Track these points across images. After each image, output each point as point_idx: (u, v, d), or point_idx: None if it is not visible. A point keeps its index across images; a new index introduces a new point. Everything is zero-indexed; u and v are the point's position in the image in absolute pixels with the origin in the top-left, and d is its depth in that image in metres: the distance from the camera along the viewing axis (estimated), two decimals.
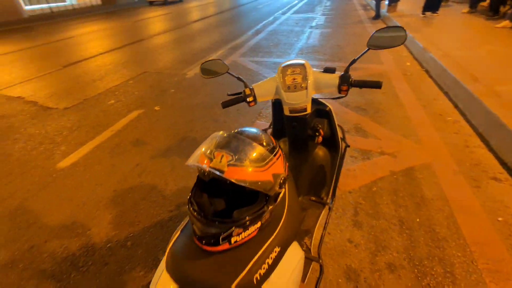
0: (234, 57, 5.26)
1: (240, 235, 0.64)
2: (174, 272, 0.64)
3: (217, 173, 0.59)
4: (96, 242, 1.63)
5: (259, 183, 0.63)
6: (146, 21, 10.62)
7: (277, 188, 0.68)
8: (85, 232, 1.70)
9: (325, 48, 5.52)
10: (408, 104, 3.06)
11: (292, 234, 0.79)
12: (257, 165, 0.64)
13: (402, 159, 2.20)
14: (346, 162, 2.20)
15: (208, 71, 1.15)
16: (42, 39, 8.20)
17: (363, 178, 2.02)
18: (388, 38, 0.99)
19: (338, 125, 1.39)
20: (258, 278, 0.64)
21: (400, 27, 0.97)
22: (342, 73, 1.06)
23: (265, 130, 1.43)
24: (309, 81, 1.05)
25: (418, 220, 1.67)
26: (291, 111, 1.12)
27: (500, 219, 1.64)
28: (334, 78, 1.06)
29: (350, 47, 5.49)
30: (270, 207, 0.69)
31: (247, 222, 0.64)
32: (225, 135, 0.69)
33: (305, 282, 1.03)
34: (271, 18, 9.59)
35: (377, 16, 8.37)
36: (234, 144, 0.66)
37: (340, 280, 1.37)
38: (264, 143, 0.70)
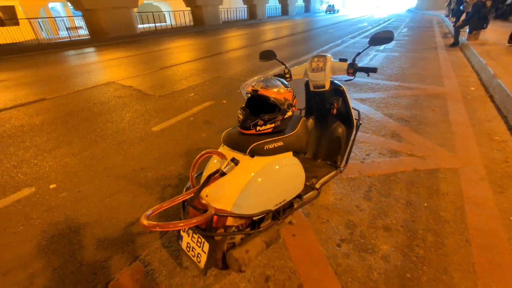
0: None
1: (262, 127, 1.18)
2: (226, 141, 1.22)
3: (254, 91, 1.16)
4: (172, 174, 2.35)
5: (275, 99, 1.17)
6: (227, 39, 12.32)
7: (285, 106, 1.20)
8: (166, 168, 2.45)
9: (385, 69, 5.69)
10: (456, 122, 3.12)
11: (293, 146, 1.28)
12: (276, 91, 1.18)
13: (429, 161, 2.38)
14: (372, 156, 2.50)
15: (264, 57, 1.74)
16: (147, 49, 10.43)
17: (385, 169, 2.29)
18: (382, 38, 1.42)
19: (354, 108, 1.80)
20: (267, 148, 1.16)
21: (390, 31, 1.40)
22: (350, 61, 1.52)
23: (300, 110, 1.96)
24: (327, 66, 1.54)
25: (425, 204, 1.89)
26: (314, 87, 1.62)
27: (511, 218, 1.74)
28: (344, 65, 1.53)
29: (413, 69, 5.53)
30: (280, 116, 1.21)
31: (266, 119, 1.17)
32: (261, 78, 1.26)
33: (302, 199, 1.47)
34: (339, 41, 10.04)
35: (455, 43, 8.01)
36: (268, 80, 1.23)
37: (340, 227, 1.73)
38: (285, 85, 1.25)
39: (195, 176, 1.24)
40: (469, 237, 1.61)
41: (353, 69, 1.51)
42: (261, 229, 1.18)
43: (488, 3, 8.98)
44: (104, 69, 7.05)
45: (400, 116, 3.33)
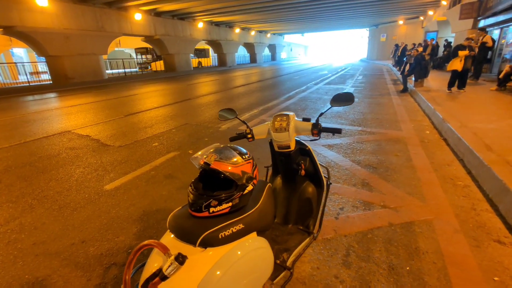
0: (264, 117, 5.97)
1: (216, 207, 0.97)
2: (172, 228, 0.98)
3: (207, 164, 0.98)
4: (120, 248, 1.96)
5: (231, 173, 0.99)
6: (197, 85, 12.56)
7: (244, 180, 1.02)
8: (114, 238, 2.06)
9: (348, 114, 6.01)
10: (419, 167, 3.19)
11: (256, 225, 1.07)
12: (232, 163, 1.01)
13: (403, 213, 2.30)
14: (346, 210, 2.37)
15: (223, 116, 1.62)
16: (114, 94, 10.16)
17: (360, 226, 2.15)
18: (344, 99, 1.39)
19: (323, 165, 1.69)
20: (222, 236, 0.94)
21: (351, 93, 1.37)
22: (314, 122, 1.45)
23: (267, 167, 1.80)
24: (290, 126, 1.44)
25: (408, 268, 1.73)
26: (278, 147, 1.49)
27: (496, 278, 1.63)
28: (308, 125, 1.45)
29: (372, 114, 5.90)
30: (238, 193, 1.02)
31: (222, 198, 0.97)
32: (221, 146, 1.09)
33: (274, 281, 1.22)
34: (303, 87, 10.70)
35: (405, 90, 8.91)
36: (222, 151, 1.05)
37: None
38: (243, 155, 1.08)
39: (131, 275, 0.93)
40: None
41: (317, 129, 1.43)
42: None
43: (427, 57, 10.43)
44: (61, 117, 6.56)
45: (367, 162, 3.35)
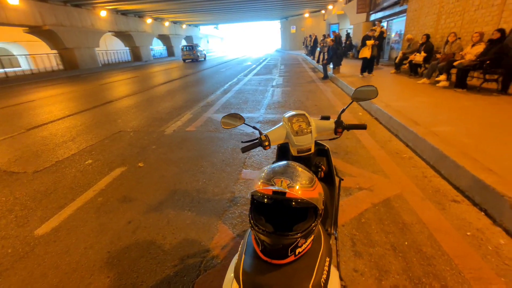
0: (208, 114, 5.61)
1: (302, 246, 0.76)
2: (252, 285, 0.72)
3: (280, 194, 0.74)
4: None
5: (312, 199, 0.79)
6: (113, 84, 10.86)
7: (322, 204, 0.84)
8: None
9: (289, 103, 6.25)
10: (369, 146, 3.56)
11: (331, 252, 0.92)
12: (308, 186, 0.80)
13: (378, 192, 2.51)
14: None
15: (227, 123, 1.35)
16: None
17: (350, 212, 2.24)
18: (366, 93, 1.35)
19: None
20: (324, 283, 0.75)
21: (373, 86, 1.34)
22: (336, 119, 1.36)
23: None
24: (312, 126, 1.31)
25: (406, 243, 1.88)
26: (298, 152, 1.35)
27: (468, 233, 1.94)
28: (331, 123, 1.35)
29: (310, 101, 6.30)
30: (317, 221, 0.82)
31: (307, 233, 0.77)
32: (277, 166, 0.86)
33: None
34: (235, 80, 10.60)
35: (325, 77, 9.86)
36: (289, 171, 0.83)
37: None
38: (310, 172, 0.88)
39: None
40: (458, 269, 1.65)
41: (342, 127, 1.35)
42: None
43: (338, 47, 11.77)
44: None
45: None
